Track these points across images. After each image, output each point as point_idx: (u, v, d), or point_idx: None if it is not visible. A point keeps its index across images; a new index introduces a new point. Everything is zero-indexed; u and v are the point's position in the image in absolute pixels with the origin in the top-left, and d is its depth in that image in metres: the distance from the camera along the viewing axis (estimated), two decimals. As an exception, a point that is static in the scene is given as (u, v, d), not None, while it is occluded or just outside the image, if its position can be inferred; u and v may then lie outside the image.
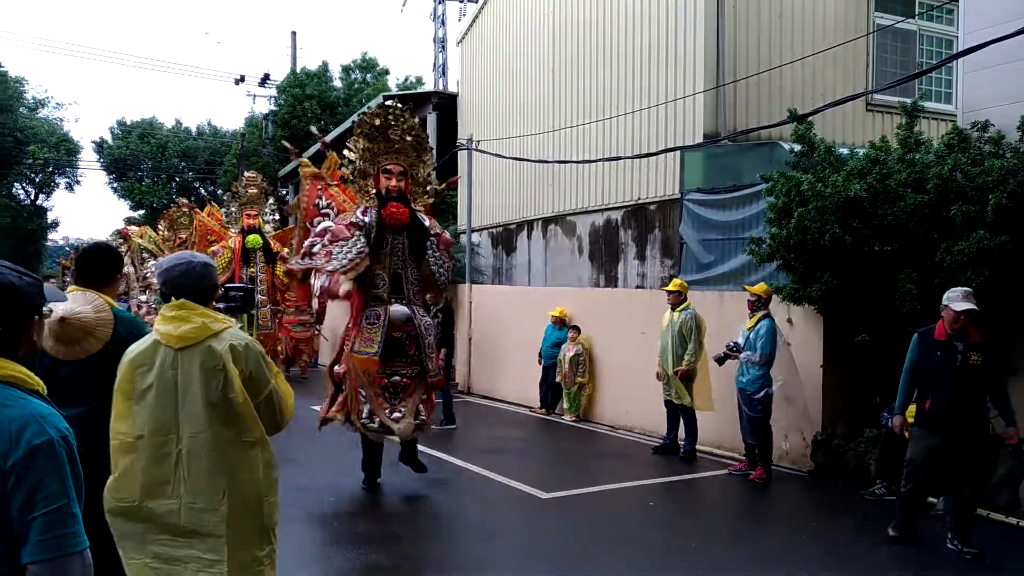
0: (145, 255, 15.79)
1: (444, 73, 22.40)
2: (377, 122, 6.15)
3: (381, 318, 5.97)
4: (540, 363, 10.32)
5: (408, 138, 6.26)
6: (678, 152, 9.38)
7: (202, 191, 37.67)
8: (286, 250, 11.29)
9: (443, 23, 23.09)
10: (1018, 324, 6.10)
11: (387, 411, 5.94)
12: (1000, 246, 5.73)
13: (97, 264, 3.13)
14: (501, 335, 11.77)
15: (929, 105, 10.72)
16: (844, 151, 7.32)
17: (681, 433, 7.86)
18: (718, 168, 9.21)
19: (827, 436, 7.16)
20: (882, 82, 9.98)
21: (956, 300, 4.99)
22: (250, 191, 11.42)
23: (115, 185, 39.04)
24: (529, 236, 13.29)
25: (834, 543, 5.39)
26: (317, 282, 6.08)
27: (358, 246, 5.90)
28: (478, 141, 12.68)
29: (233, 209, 11.64)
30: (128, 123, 39.25)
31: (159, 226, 16.79)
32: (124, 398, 2.61)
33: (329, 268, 5.83)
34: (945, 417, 5.00)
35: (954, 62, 7.79)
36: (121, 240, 16.72)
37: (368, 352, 5.90)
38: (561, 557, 4.99)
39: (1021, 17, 5.74)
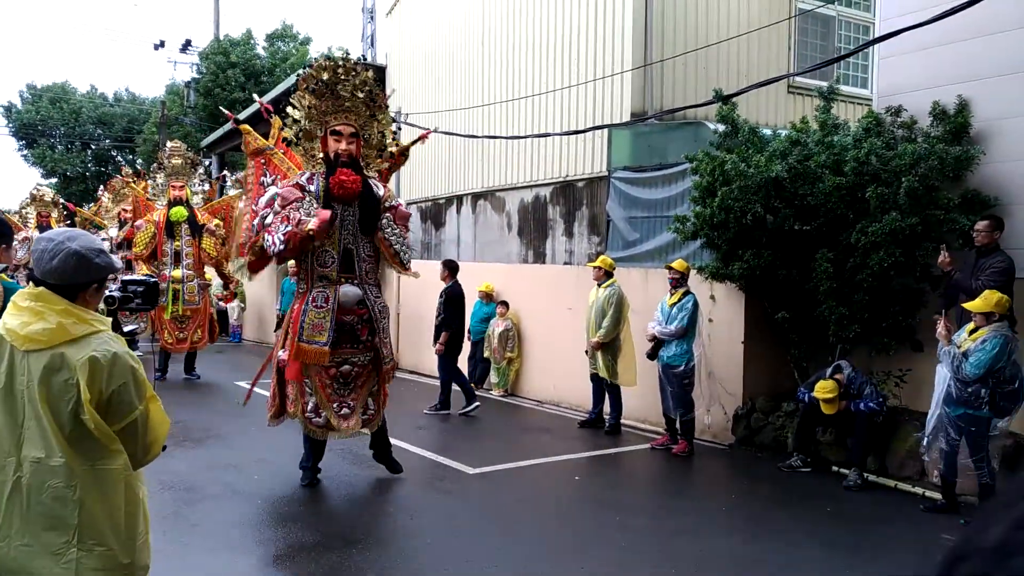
0: (93, 228, 14.87)
1: (373, 44, 21.83)
2: (325, 76, 5.35)
3: (330, 301, 5.36)
4: (468, 339, 10.28)
5: (360, 95, 5.46)
6: (606, 130, 9.41)
7: (120, 159, 35.93)
8: (215, 222, 10.88)
9: (372, -8, 22.45)
10: (922, 302, 6.38)
11: (335, 405, 5.42)
12: (910, 227, 5.97)
13: None
14: (429, 310, 11.61)
15: (847, 89, 11.07)
16: (767, 132, 7.48)
17: (607, 408, 7.97)
18: (644, 147, 9.29)
19: (747, 410, 7.38)
20: (803, 65, 10.23)
21: None
22: (174, 161, 10.89)
23: (25, 152, 36.82)
24: (458, 211, 13.18)
25: (752, 514, 5.56)
26: (276, 237, 5.19)
27: (312, 207, 5.23)
28: (407, 114, 12.43)
29: (159, 180, 11.09)
30: (39, 87, 36.99)
31: (103, 196, 15.88)
32: None
33: (276, 251, 5.21)
34: None
35: (870, 48, 8.03)
36: (29, 201, 15.56)
37: (318, 342, 5.30)
38: (487, 532, 5.00)
39: (935, 6, 5.92)
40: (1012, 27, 6.05)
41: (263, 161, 6.02)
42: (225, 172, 20.92)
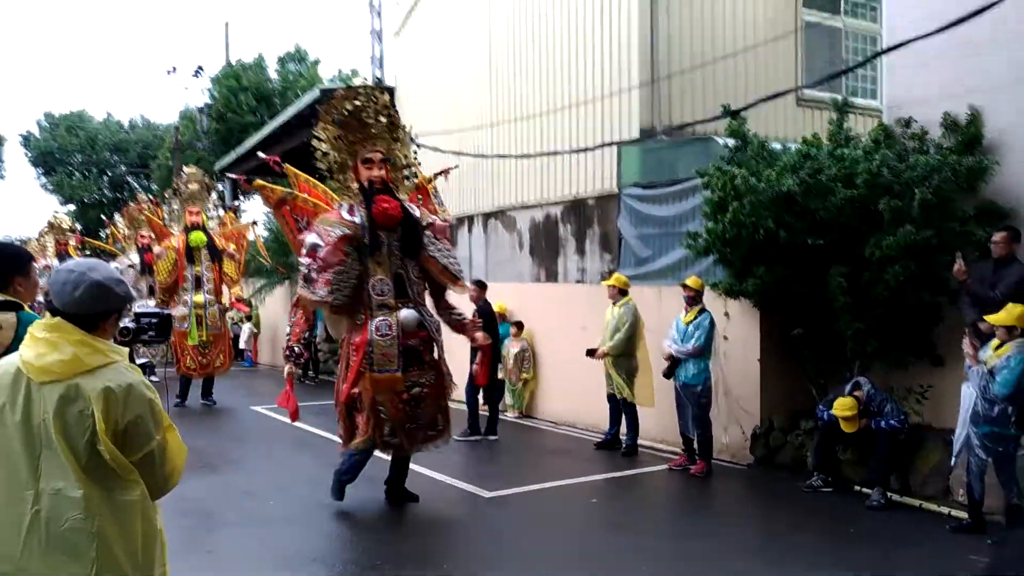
0: (106, 257, 14.95)
1: (381, 66, 21.99)
2: (349, 107, 5.39)
3: (393, 328, 5.39)
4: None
5: (382, 119, 5.54)
6: (615, 147, 9.38)
7: (135, 185, 36.35)
8: (232, 246, 11.00)
9: (379, 15, 22.67)
10: (940, 316, 6.28)
11: (407, 426, 5.53)
12: (925, 240, 5.88)
13: None
14: (443, 331, 11.62)
15: (857, 101, 10.99)
16: (777, 146, 7.42)
17: (623, 428, 7.89)
18: (654, 163, 9.25)
19: (765, 429, 7.27)
20: (811, 78, 10.17)
21: None
22: (191, 187, 10.94)
23: (43, 180, 37.34)
24: (470, 231, 13.18)
25: (774, 535, 5.46)
26: (293, 316, 5.70)
27: (353, 272, 5.33)
28: (416, 135, 12.47)
29: (175, 207, 11.24)
30: (56, 116, 37.57)
31: (118, 222, 15.93)
32: None
33: (335, 303, 5.31)
34: None
35: (878, 59, 7.96)
36: (48, 229, 15.60)
37: (390, 370, 5.37)
38: (503, 557, 4.94)
39: (939, 16, 5.86)
40: (1018, 38, 5.97)
41: (288, 208, 6.08)
42: (238, 202, 21.05)
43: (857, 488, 6.30)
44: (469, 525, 5.64)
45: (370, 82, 19.72)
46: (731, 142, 7.35)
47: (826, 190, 6.36)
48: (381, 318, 5.39)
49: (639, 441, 7.82)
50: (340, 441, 5.86)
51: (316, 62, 30.55)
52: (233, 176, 7.47)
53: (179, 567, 4.44)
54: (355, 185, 5.52)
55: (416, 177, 5.97)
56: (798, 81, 10.16)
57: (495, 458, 7.99)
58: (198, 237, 10.49)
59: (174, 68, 29.83)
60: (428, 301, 5.92)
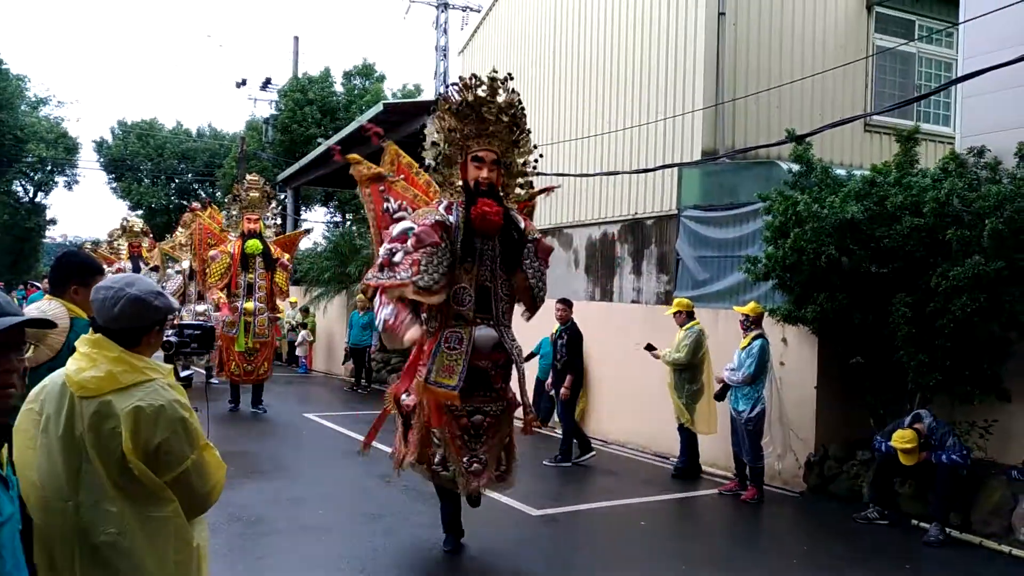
0: (170, 262, 15.20)
1: (445, 82, 22.41)
2: (471, 97, 4.77)
3: (464, 343, 4.78)
4: (537, 377, 10.26)
5: (504, 118, 4.88)
6: (676, 168, 9.37)
7: (201, 193, 37.64)
8: (286, 256, 11.15)
9: (445, 32, 23.16)
10: (1009, 351, 6.09)
11: (464, 460, 4.84)
12: (996, 272, 5.73)
13: (57, 272, 3.17)
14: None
15: (928, 127, 10.76)
16: (842, 172, 7.33)
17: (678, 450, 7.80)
18: (715, 185, 9.21)
19: (820, 457, 7.13)
20: (881, 103, 10.00)
21: None
22: (252, 194, 11.07)
23: (114, 185, 39.01)
24: (526, 247, 13.27)
25: (825, 568, 5.35)
26: (382, 312, 4.88)
27: (447, 257, 4.69)
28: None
29: (234, 212, 11.28)
30: (129, 123, 39.25)
31: (177, 231, 16.22)
32: (24, 441, 2.13)
33: (421, 284, 4.54)
34: None
35: (953, 86, 7.80)
36: (120, 233, 15.99)
37: (447, 385, 4.72)
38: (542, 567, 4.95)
39: (1018, 43, 5.74)
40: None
41: (382, 189, 5.51)
42: (304, 213, 21.38)
43: (915, 523, 6.13)
44: (516, 543, 5.66)
45: (434, 96, 20.08)
46: (795, 167, 7.29)
47: (892, 218, 6.26)
48: (452, 329, 4.82)
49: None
50: (394, 458, 5.37)
51: (382, 77, 31.25)
52: (326, 146, 6.86)
53: (227, 573, 4.62)
54: (459, 183, 4.93)
55: (532, 188, 5.31)
56: (867, 107, 10.00)
57: (544, 476, 8.00)
58: (254, 244, 10.59)
59: (243, 80, 30.82)
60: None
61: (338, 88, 29.84)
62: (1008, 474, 5.84)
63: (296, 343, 16.82)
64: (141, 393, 2.11)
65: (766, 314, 7.08)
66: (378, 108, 16.13)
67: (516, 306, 5.20)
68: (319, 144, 21.49)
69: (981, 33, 6.67)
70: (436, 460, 4.90)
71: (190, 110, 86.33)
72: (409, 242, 4.66)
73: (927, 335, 6.09)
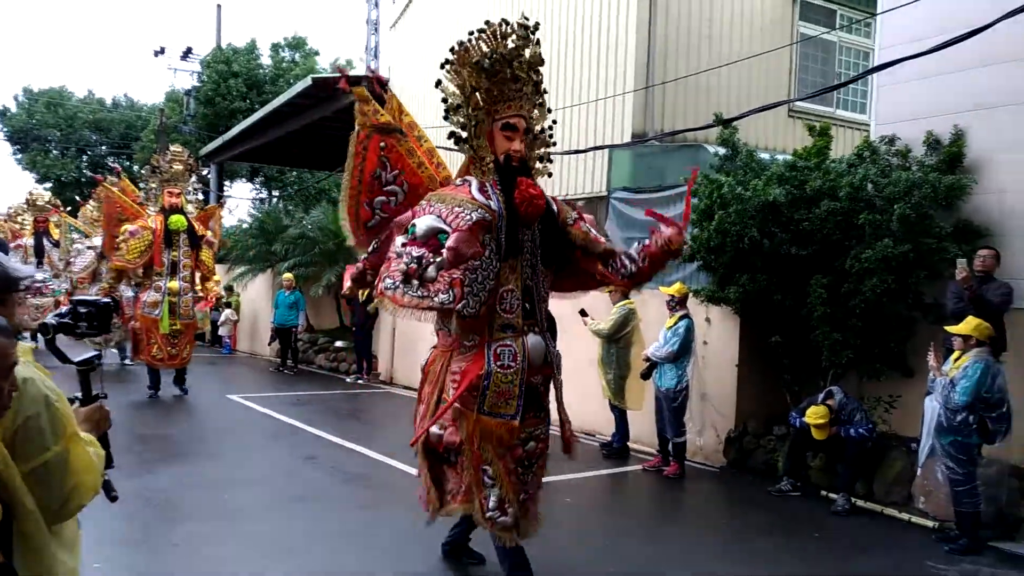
0: (75, 235, 14.22)
1: (376, 56, 21.98)
2: (503, 49, 3.86)
3: (519, 358, 3.86)
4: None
5: (534, 75, 4.01)
6: (606, 150, 9.46)
7: (116, 167, 35.92)
8: (211, 233, 10.57)
9: (376, 5, 22.63)
10: (912, 330, 6.42)
11: (520, 496, 3.99)
12: (903, 255, 6.00)
13: None
14: (425, 326, 11.61)
15: (848, 115, 11.16)
16: (765, 156, 7.53)
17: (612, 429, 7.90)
18: (645, 168, 9.34)
19: (739, 433, 7.38)
20: (804, 90, 10.32)
21: None
22: (175, 167, 10.38)
23: (19, 156, 36.84)
24: (457, 227, 13.22)
25: (741, 539, 5.55)
26: (442, 291, 3.61)
27: (493, 269, 3.77)
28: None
29: (153, 186, 10.59)
30: (35, 91, 37.08)
31: (90, 205, 15.34)
32: None
33: (467, 313, 3.65)
34: None
35: (870, 76, 8.10)
36: (26, 207, 15.03)
37: (506, 415, 3.83)
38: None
39: (933, 35, 5.99)
40: (1007, 60, 6.12)
41: (383, 145, 4.29)
42: (227, 188, 20.64)
43: (824, 493, 6.42)
44: (441, 522, 5.65)
45: (364, 72, 19.65)
46: (721, 150, 7.45)
47: (810, 201, 6.48)
48: (502, 343, 3.86)
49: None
50: (422, 503, 4.36)
51: (314, 52, 30.42)
52: (329, 76, 4.58)
53: (139, 560, 4.48)
54: (489, 158, 3.98)
55: (551, 162, 4.28)
56: (791, 93, 10.30)
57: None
58: (179, 220, 10.00)
59: (162, 49, 29.32)
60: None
61: (265, 60, 28.92)
62: (908, 446, 6.17)
63: (219, 323, 16.34)
64: None
65: (691, 294, 7.25)
66: (306, 82, 15.71)
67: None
68: (244, 118, 20.81)
69: (897, 25, 6.93)
70: (491, 504, 3.93)
71: (103, 78, 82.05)
72: (444, 255, 3.63)
73: (841, 315, 6.35)
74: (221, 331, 16.45)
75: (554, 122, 4.20)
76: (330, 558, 4.71)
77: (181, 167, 10.44)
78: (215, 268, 10.81)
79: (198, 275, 10.41)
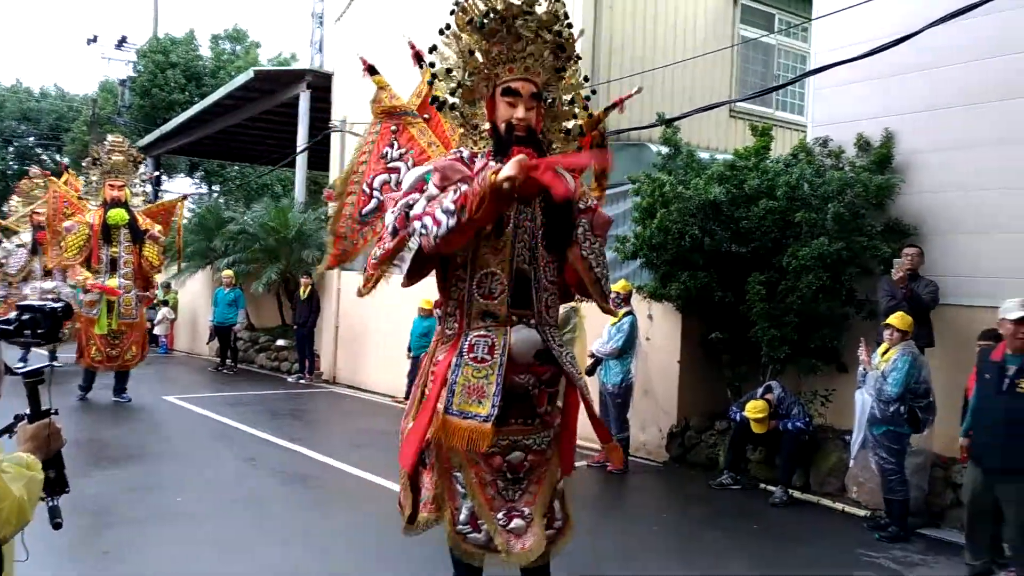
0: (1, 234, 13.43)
1: (321, 50, 21.61)
2: (500, 4, 3.37)
3: (496, 351, 3.34)
4: (409, 355, 10.19)
5: (547, 36, 3.45)
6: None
7: (45, 158, 34.54)
8: (157, 228, 10.00)
9: (321, -2, 22.23)
10: (846, 326, 6.62)
11: (500, 515, 3.40)
12: (837, 252, 6.19)
13: None
14: (369, 324, 11.55)
15: (786, 116, 11.45)
16: (706, 156, 7.67)
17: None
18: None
19: (681, 428, 7.50)
20: (745, 91, 10.54)
21: (1011, 310, 4.36)
22: (114, 157, 9.78)
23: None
24: (402, 224, 13.10)
25: (684, 532, 5.65)
26: (435, 211, 3.09)
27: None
28: (352, 123, 12.34)
29: (94, 178, 9.94)
30: (-44, 79, 35.36)
31: (11, 200, 14.55)
32: None
33: (439, 233, 3.03)
34: (980, 453, 4.54)
35: (806, 78, 8.33)
36: None
37: (476, 415, 3.27)
38: (423, 554, 4.93)
39: (865, 42, 6.19)
40: (932, 66, 6.35)
41: (394, 128, 4.10)
42: (165, 181, 20.06)
43: (763, 486, 6.59)
44: (392, 523, 5.58)
45: (309, 66, 19.28)
46: (664, 149, 7.55)
47: (749, 200, 6.62)
48: (479, 333, 3.38)
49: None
50: (400, 512, 3.68)
51: (256, 44, 29.77)
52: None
53: (68, 570, 4.30)
54: (486, 125, 3.53)
55: (580, 135, 3.80)
56: (732, 94, 10.50)
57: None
58: (118, 215, 9.46)
59: (95, 37, 28.27)
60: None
61: (205, 52, 28.16)
62: (843, 438, 6.37)
63: (156, 322, 15.86)
64: None
65: (634, 291, 7.33)
66: (248, 75, 15.39)
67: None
68: (182, 110, 20.24)
69: (830, 31, 7.13)
70: (461, 517, 3.44)
71: (32, 67, 78.68)
72: (431, 181, 3.22)
73: (778, 312, 6.51)
74: (157, 330, 15.95)
75: (594, 91, 3.60)
76: (275, 562, 4.61)
77: (122, 157, 9.88)
78: (160, 265, 10.24)
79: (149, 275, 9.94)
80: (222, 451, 7.38)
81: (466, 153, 3.45)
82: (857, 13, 6.55)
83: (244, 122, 17.47)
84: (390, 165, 4.01)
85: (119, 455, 7.01)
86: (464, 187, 3.02)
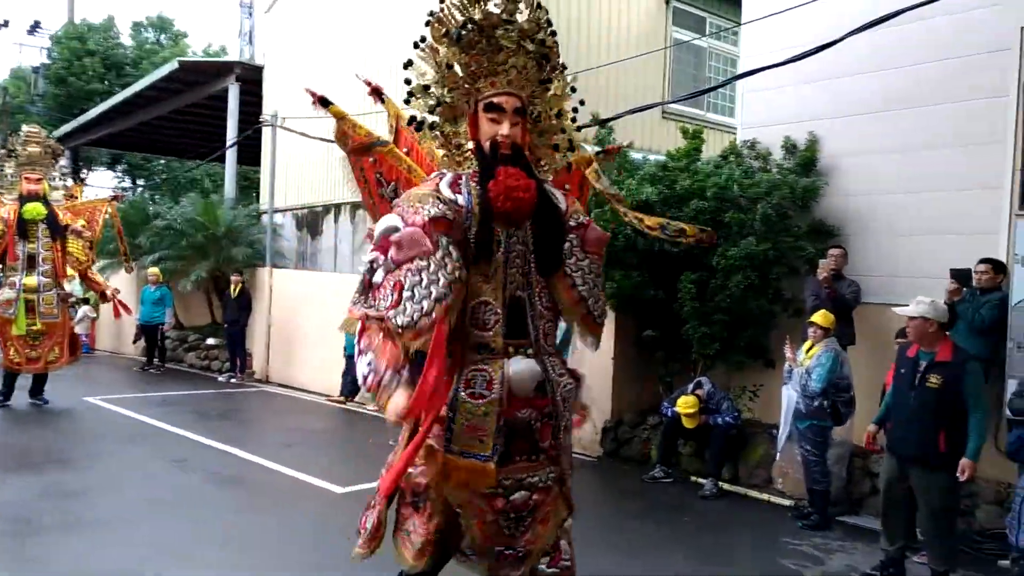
0: None
1: (251, 41, 21.05)
2: (477, 14, 3.17)
3: (494, 386, 3.13)
4: (344, 353, 10.07)
5: (530, 47, 3.25)
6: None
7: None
8: (80, 222, 9.45)
9: (251, -13, 21.64)
10: (775, 322, 6.86)
11: (499, 548, 3.27)
12: (765, 252, 6.40)
13: None
14: (302, 322, 11.35)
15: (717, 118, 11.76)
16: (638, 156, 7.81)
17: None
18: (525, 164, 9.45)
19: (615, 424, 7.64)
20: (677, 93, 10.78)
21: (907, 308, 4.55)
22: (30, 149, 9.30)
23: None
24: (336, 220, 12.91)
25: (618, 525, 5.76)
26: (360, 362, 3.03)
27: (445, 270, 2.96)
28: (283, 118, 12.08)
29: (9, 171, 9.53)
30: None
31: None
32: None
33: (399, 321, 2.89)
34: (895, 444, 4.66)
35: (736, 81, 8.57)
36: None
37: (477, 455, 3.11)
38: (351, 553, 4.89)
39: (791, 48, 6.41)
40: (854, 73, 6.63)
41: (373, 160, 3.86)
42: (84, 175, 19.21)
43: (694, 479, 6.77)
44: (320, 520, 5.53)
45: (238, 58, 18.75)
46: (597, 150, 7.64)
47: (681, 200, 6.78)
48: (475, 367, 3.16)
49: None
50: (359, 537, 3.49)
51: (183, 34, 28.79)
52: (311, 93, 3.84)
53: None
54: (469, 144, 3.33)
55: (572, 152, 3.63)
56: (665, 96, 10.72)
57: (351, 453, 7.89)
58: (35, 209, 8.98)
59: (5, 22, 26.83)
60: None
61: (126, 40, 27.09)
62: (769, 432, 6.60)
63: (76, 321, 15.17)
64: None
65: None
66: (173, 65, 14.90)
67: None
68: (102, 100, 19.43)
69: (758, 36, 7.36)
70: (464, 544, 3.39)
71: (-62, 52, 74.07)
72: (390, 254, 3.01)
73: (709, 310, 6.69)
74: (78, 329, 15.16)
75: (581, 103, 3.53)
76: (213, 564, 4.50)
77: (38, 149, 9.37)
78: (90, 260, 9.72)
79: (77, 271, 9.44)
80: (150, 453, 7.14)
81: (449, 176, 3.26)
82: (784, 19, 6.78)
83: (170, 114, 16.89)
84: (395, 204, 3.51)
85: (37, 459, 6.71)
86: (376, 370, 2.93)
